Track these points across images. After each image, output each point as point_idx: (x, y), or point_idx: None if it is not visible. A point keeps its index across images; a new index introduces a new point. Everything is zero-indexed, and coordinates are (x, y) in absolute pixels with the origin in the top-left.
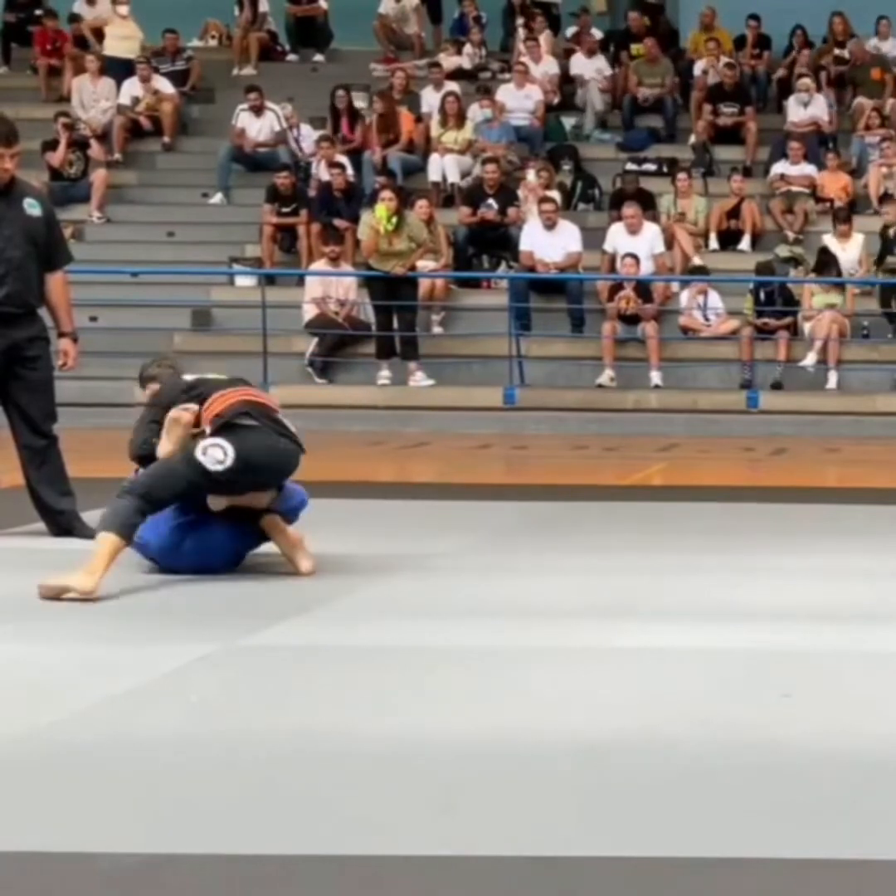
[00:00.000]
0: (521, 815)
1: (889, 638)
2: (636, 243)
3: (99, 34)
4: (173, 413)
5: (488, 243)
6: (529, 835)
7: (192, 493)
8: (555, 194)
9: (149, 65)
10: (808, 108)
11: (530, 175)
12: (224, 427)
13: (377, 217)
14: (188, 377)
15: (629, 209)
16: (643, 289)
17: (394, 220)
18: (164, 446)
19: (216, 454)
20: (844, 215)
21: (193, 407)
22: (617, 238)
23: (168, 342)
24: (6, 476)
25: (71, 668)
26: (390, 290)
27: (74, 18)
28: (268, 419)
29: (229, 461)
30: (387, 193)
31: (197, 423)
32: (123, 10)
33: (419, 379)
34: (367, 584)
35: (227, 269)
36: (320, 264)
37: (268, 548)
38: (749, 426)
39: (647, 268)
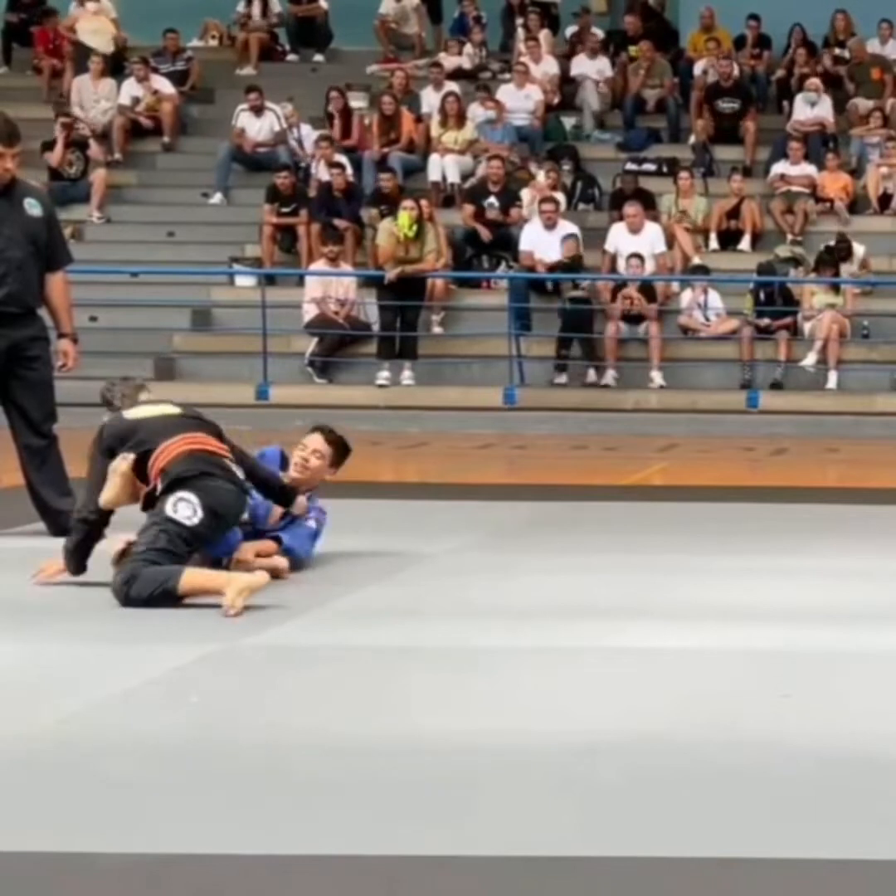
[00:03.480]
0: (521, 815)
1: (889, 638)
2: (637, 243)
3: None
4: (112, 464)
5: (488, 243)
6: (529, 835)
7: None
8: (558, 195)
9: (147, 65)
10: (814, 108)
11: (540, 176)
12: (180, 480)
13: (399, 225)
14: (129, 415)
15: (631, 208)
16: (647, 288)
17: (414, 228)
18: (107, 495)
19: (185, 510)
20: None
21: (131, 456)
22: (618, 238)
23: (168, 342)
24: (6, 476)
25: (71, 668)
26: (398, 292)
27: None
28: (214, 464)
29: (199, 515)
30: (409, 202)
31: (146, 479)
32: (92, 6)
33: (406, 377)
34: (366, 584)
35: (227, 269)
36: (319, 264)
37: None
38: (749, 426)
39: (648, 267)
